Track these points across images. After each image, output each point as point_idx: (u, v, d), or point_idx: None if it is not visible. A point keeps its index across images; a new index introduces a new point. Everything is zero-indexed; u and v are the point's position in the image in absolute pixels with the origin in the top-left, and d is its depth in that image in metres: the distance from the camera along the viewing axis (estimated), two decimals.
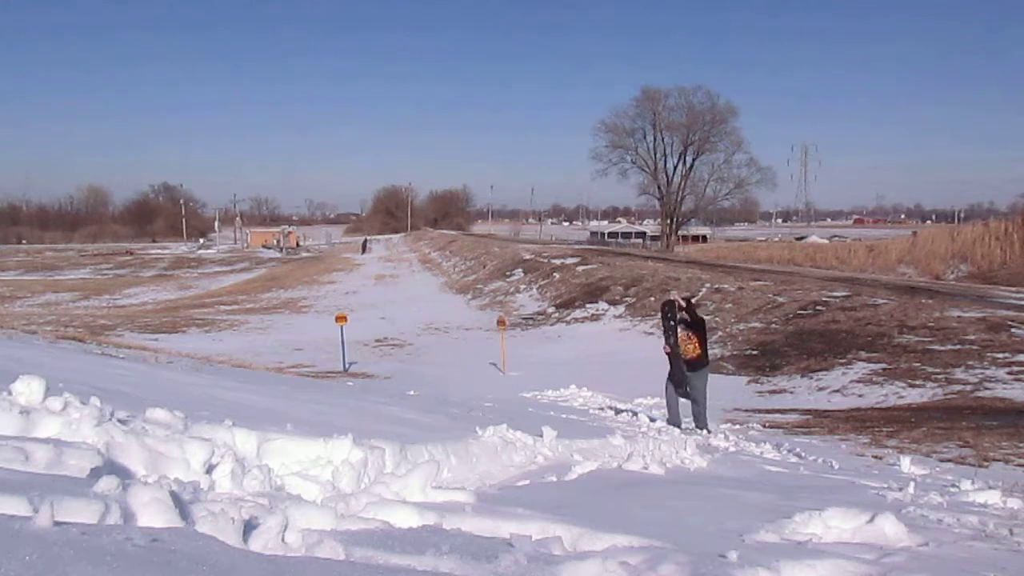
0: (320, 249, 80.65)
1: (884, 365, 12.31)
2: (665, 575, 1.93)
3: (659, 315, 8.88)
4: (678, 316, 8.64)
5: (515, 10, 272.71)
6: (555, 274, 31.07)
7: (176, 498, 1.85)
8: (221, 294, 40.76)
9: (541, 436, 4.54)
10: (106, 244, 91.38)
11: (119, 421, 2.62)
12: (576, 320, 22.79)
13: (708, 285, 21.95)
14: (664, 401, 8.85)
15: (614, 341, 19.20)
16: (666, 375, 8.67)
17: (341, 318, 17.67)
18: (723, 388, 12.69)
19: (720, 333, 17.11)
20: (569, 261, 33.28)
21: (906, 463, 5.49)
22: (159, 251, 79.07)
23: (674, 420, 8.44)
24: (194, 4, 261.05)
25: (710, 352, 16.40)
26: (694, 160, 56.06)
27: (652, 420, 8.49)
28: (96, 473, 2.06)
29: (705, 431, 8.03)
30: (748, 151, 55.96)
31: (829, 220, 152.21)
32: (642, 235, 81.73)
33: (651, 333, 17.96)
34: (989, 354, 11.78)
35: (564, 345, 19.70)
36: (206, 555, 1.52)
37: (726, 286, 21.20)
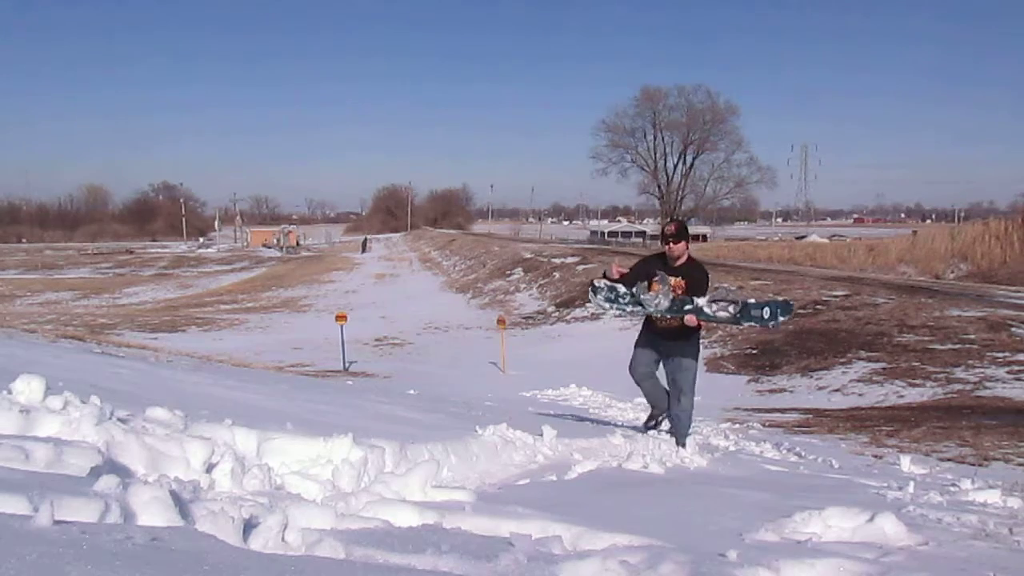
0: (320, 248, 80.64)
1: (884, 364, 12.31)
2: (665, 574, 1.93)
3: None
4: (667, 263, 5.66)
5: (515, 10, 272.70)
6: (555, 273, 31.06)
7: (176, 497, 1.86)
8: (221, 293, 40.75)
9: (541, 435, 4.54)
10: (106, 243, 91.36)
11: (119, 420, 2.62)
12: (576, 319, 22.76)
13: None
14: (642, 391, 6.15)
15: (614, 340, 19.15)
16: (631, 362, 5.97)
17: (341, 317, 17.67)
18: (723, 387, 12.70)
19: (720, 332, 17.10)
20: (569, 260, 33.27)
21: (906, 462, 5.49)
22: (159, 250, 79.07)
23: (662, 399, 5.88)
24: (194, 4, 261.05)
25: (710, 351, 16.50)
26: (694, 159, 56.24)
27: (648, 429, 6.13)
28: (96, 472, 2.06)
29: (681, 447, 5.43)
30: (748, 150, 56.24)
31: (829, 219, 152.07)
32: (642, 234, 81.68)
33: None
34: (989, 353, 11.77)
35: (564, 344, 19.69)
36: (206, 554, 1.52)
37: (726, 285, 21.19)
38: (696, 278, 5.60)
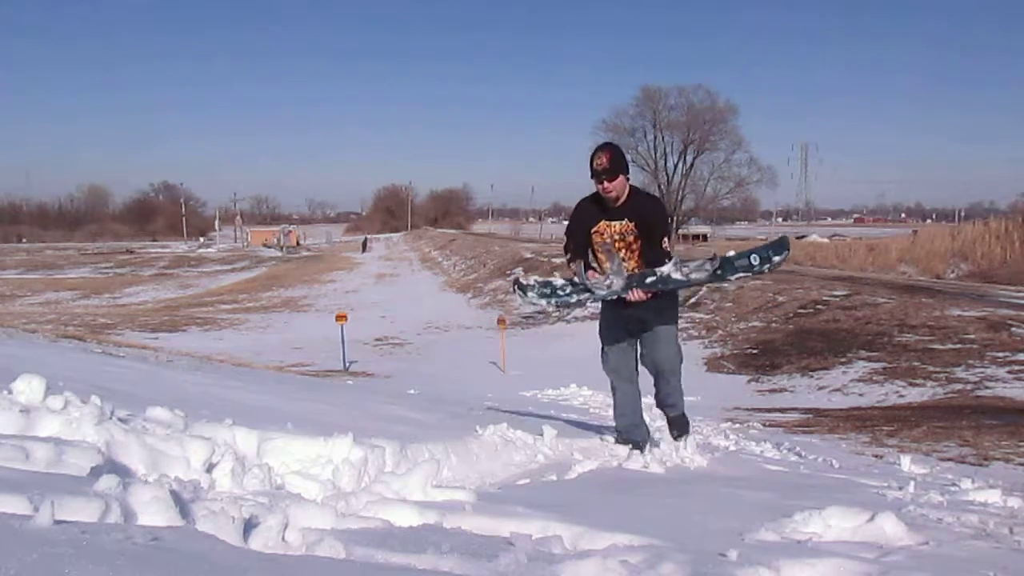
0: (320, 248, 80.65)
1: (884, 364, 12.31)
2: (665, 574, 1.93)
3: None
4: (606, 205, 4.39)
5: (515, 9, 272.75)
6: (555, 273, 31.03)
7: (176, 497, 1.86)
8: (221, 293, 40.75)
9: (541, 435, 4.53)
10: (106, 243, 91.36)
11: (119, 420, 2.62)
12: (576, 319, 22.75)
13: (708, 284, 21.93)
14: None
15: None
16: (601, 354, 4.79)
17: (341, 317, 17.70)
18: (723, 387, 12.71)
19: (720, 332, 17.11)
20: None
21: (906, 462, 5.48)
22: (159, 250, 79.03)
23: (633, 423, 4.84)
24: (194, 3, 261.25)
25: (710, 350, 16.50)
26: (694, 159, 56.10)
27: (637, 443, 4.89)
28: (96, 472, 2.06)
29: (683, 440, 4.84)
30: (748, 150, 56.08)
31: (829, 219, 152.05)
32: None
33: None
34: (989, 353, 11.77)
35: (565, 344, 19.67)
36: (206, 554, 1.52)
37: (726, 285, 21.18)
38: (649, 212, 4.38)
